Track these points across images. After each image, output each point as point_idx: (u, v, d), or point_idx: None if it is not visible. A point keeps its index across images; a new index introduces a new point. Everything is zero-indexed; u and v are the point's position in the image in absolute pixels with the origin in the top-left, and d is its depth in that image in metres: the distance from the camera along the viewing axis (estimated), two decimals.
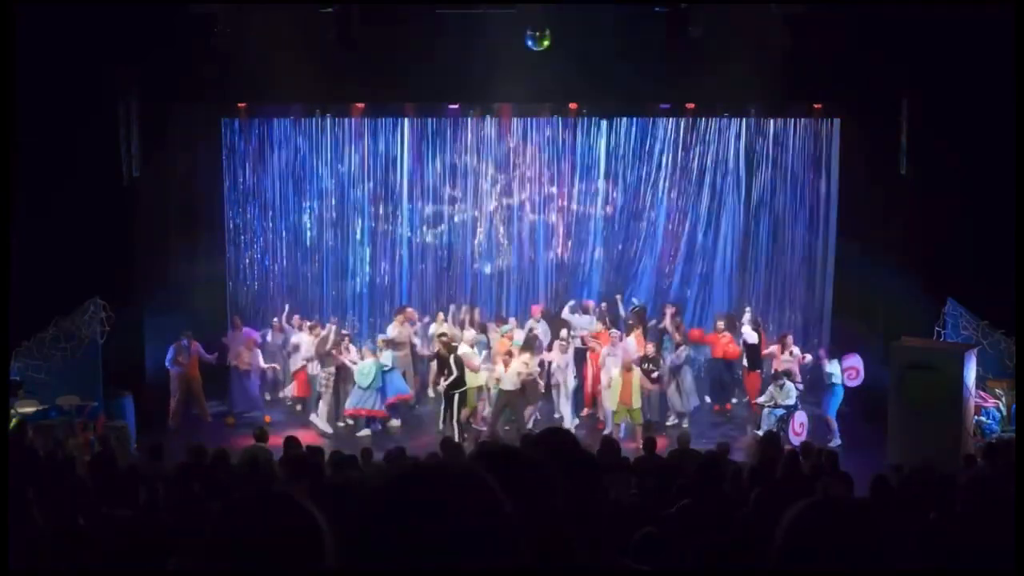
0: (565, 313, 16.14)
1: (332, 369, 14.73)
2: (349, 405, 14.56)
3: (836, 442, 13.63)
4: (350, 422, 14.79)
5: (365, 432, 14.44)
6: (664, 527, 6.24)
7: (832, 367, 14.16)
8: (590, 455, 2.31)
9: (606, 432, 13.76)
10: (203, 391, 15.24)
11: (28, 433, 11.72)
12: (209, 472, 9.36)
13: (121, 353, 13.93)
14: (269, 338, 16.29)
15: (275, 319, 16.54)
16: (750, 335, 15.41)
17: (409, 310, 16.46)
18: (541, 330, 15.70)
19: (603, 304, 16.64)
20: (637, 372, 14.02)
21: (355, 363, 14.69)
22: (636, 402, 13.96)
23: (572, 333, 15.47)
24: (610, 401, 14.04)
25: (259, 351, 15.73)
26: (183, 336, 14.91)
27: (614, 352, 14.51)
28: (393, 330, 15.79)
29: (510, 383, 14.11)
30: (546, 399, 15.00)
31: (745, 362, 15.43)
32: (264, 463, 10.04)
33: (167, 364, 14.82)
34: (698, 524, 6.11)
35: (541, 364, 14.77)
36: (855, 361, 14.66)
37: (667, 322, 15.79)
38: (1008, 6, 12.53)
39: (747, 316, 16.01)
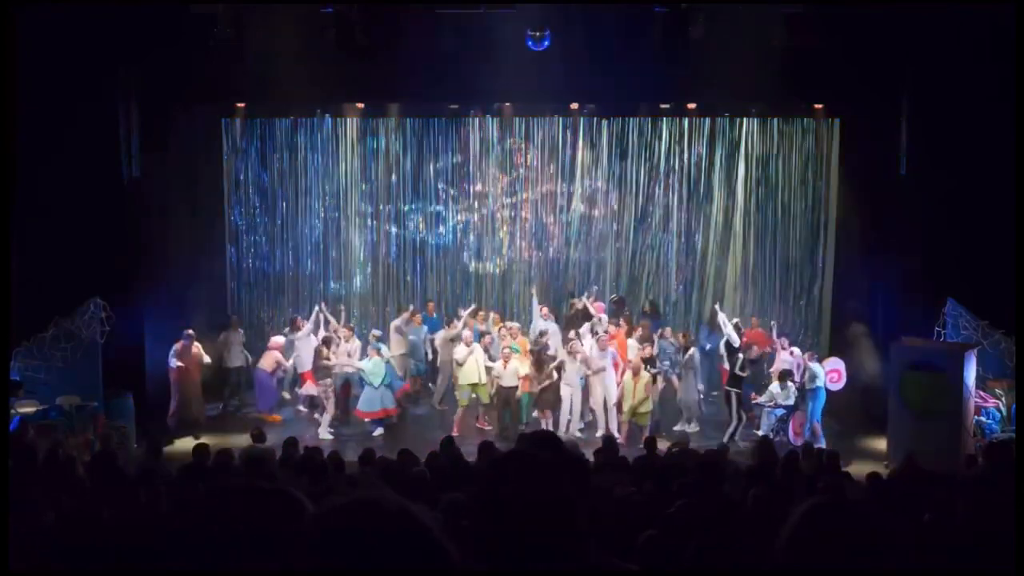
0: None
1: (328, 380, 14.73)
2: (364, 408, 14.52)
3: (819, 445, 13.56)
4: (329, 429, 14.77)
5: (379, 431, 14.46)
6: (664, 527, 6.24)
7: (816, 369, 14.14)
8: (579, 456, 2.32)
9: (600, 432, 13.78)
10: (203, 392, 15.26)
11: (29, 432, 11.71)
12: (211, 472, 9.36)
13: (121, 353, 13.92)
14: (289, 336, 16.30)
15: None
16: (733, 338, 15.32)
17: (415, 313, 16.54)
18: (552, 330, 15.69)
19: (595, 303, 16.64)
20: (645, 376, 13.99)
21: (351, 367, 14.71)
22: (645, 406, 13.94)
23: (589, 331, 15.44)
24: (624, 404, 14.03)
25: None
26: (185, 335, 14.92)
27: (604, 355, 14.47)
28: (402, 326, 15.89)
29: (509, 380, 14.16)
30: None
31: (726, 364, 15.29)
32: (263, 463, 10.03)
33: (169, 361, 14.83)
34: (698, 524, 6.10)
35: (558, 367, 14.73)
36: (837, 364, 14.68)
37: (667, 334, 15.71)
38: (1008, 6, 12.53)
39: (721, 317, 16.03)
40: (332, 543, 1.65)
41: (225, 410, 15.90)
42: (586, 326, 15.52)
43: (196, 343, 15.03)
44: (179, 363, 14.78)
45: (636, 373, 13.96)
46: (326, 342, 15.12)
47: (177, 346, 14.80)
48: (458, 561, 1.70)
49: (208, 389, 15.48)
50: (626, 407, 14.06)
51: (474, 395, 14.63)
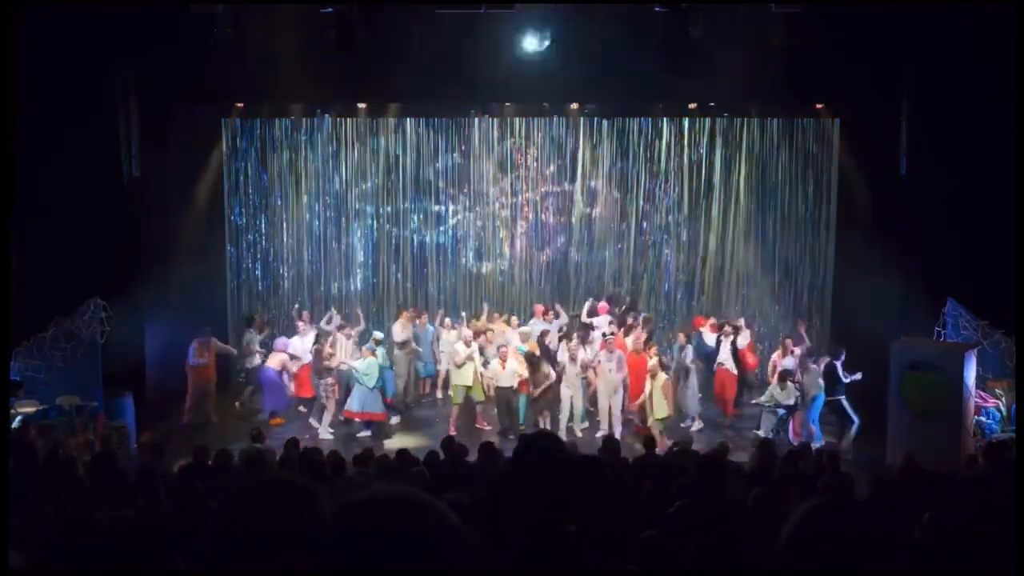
0: (584, 317, 16.19)
1: (330, 380, 14.72)
2: (354, 408, 14.51)
3: (817, 444, 13.53)
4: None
5: (365, 433, 14.43)
6: (664, 527, 6.24)
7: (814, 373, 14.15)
8: (583, 457, 2.33)
9: (601, 433, 13.78)
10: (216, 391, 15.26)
11: (31, 432, 11.71)
12: (211, 472, 9.36)
13: (121, 353, 13.92)
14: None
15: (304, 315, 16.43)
16: (745, 336, 15.49)
17: (413, 310, 16.53)
18: (553, 330, 15.72)
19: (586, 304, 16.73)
20: (661, 379, 13.91)
21: (347, 365, 14.73)
22: (660, 411, 13.82)
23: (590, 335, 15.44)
24: (659, 412, 13.94)
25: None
26: (201, 334, 14.94)
27: (611, 358, 14.45)
28: (399, 329, 15.86)
29: (507, 380, 14.16)
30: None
31: (730, 367, 15.28)
32: (261, 463, 10.03)
33: (190, 361, 14.82)
34: (698, 524, 6.10)
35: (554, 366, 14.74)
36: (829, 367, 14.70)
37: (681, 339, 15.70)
38: (1008, 6, 12.53)
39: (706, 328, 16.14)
40: (355, 538, 1.65)
41: (242, 408, 15.88)
42: (600, 321, 15.60)
43: (213, 339, 15.06)
44: (200, 360, 14.77)
45: (653, 375, 13.90)
46: (319, 338, 15.14)
47: (196, 345, 14.81)
48: (477, 551, 1.70)
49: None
50: (650, 415, 13.97)
51: (469, 395, 14.64)
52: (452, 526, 1.69)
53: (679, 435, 13.64)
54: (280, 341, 15.85)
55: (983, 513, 5.98)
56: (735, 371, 15.34)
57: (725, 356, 15.24)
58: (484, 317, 16.21)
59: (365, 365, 14.34)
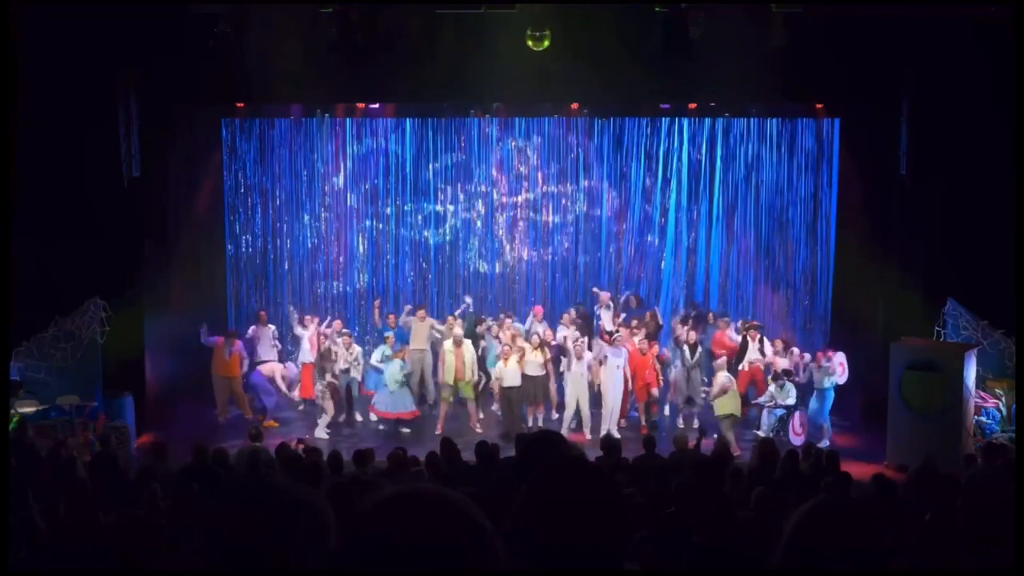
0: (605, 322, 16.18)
1: (328, 379, 14.72)
2: (384, 408, 14.48)
3: (825, 443, 13.53)
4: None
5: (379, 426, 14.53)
6: (663, 527, 6.25)
7: (829, 367, 14.13)
8: (583, 455, 2.33)
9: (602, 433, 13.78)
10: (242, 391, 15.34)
11: (29, 432, 11.72)
12: (209, 472, 9.37)
13: (121, 353, 13.93)
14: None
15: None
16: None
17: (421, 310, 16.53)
18: (542, 331, 15.73)
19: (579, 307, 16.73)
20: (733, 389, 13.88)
21: (347, 369, 14.77)
22: (724, 408, 13.75)
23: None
24: (722, 408, 13.87)
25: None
26: (228, 334, 15.24)
27: (617, 354, 14.45)
28: (415, 326, 15.91)
29: (511, 380, 14.16)
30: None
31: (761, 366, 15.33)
32: (263, 463, 10.05)
33: (203, 340, 15.11)
34: (697, 524, 6.10)
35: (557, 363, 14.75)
36: (839, 357, 14.71)
37: (679, 331, 15.66)
38: (1008, 6, 12.54)
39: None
40: (378, 539, 1.65)
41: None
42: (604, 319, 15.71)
43: (237, 342, 15.20)
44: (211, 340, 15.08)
45: (724, 392, 13.78)
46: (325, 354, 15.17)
47: (218, 342, 15.07)
48: (502, 549, 1.69)
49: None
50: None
51: (457, 394, 14.63)
52: (479, 523, 1.69)
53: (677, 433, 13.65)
54: (289, 366, 15.83)
55: (983, 513, 5.98)
56: (763, 369, 15.35)
57: (755, 356, 15.18)
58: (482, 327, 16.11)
59: (390, 367, 14.42)
